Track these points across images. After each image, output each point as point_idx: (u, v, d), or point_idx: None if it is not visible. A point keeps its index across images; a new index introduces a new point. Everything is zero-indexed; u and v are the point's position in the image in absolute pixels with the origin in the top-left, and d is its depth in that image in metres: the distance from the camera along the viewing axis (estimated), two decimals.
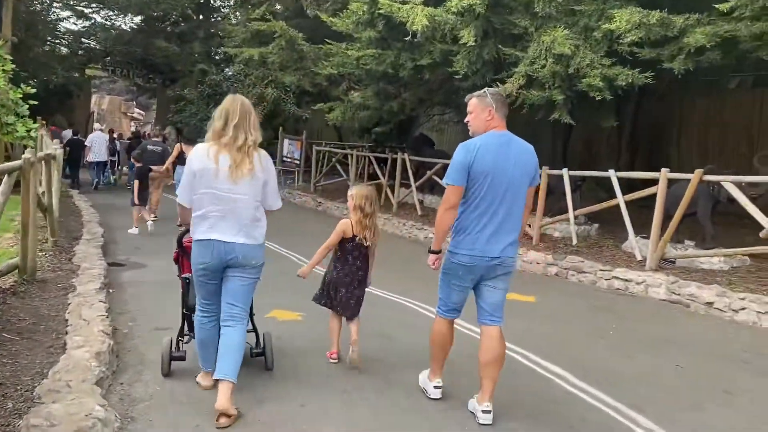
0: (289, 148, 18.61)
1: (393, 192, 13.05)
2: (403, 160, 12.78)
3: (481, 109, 3.33)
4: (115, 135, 19.82)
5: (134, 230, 9.34)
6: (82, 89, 23.90)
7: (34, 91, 11.45)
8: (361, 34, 10.24)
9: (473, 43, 8.51)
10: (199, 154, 3.25)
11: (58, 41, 21.23)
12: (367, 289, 4.23)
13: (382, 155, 14.48)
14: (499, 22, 8.96)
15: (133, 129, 33.93)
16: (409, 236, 11.33)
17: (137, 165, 9.97)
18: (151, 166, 9.87)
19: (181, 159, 9.60)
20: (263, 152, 3.34)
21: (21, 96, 10.59)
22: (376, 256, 4.23)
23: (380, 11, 9.38)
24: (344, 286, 4.05)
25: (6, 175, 4.75)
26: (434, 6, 9.02)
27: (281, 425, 3.20)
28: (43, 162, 7.74)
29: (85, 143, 15.94)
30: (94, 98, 40.80)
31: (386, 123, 14.35)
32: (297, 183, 18.14)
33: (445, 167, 13.30)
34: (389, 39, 10.26)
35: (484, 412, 3.34)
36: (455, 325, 3.67)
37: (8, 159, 12.35)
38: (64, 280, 5.70)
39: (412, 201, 12.99)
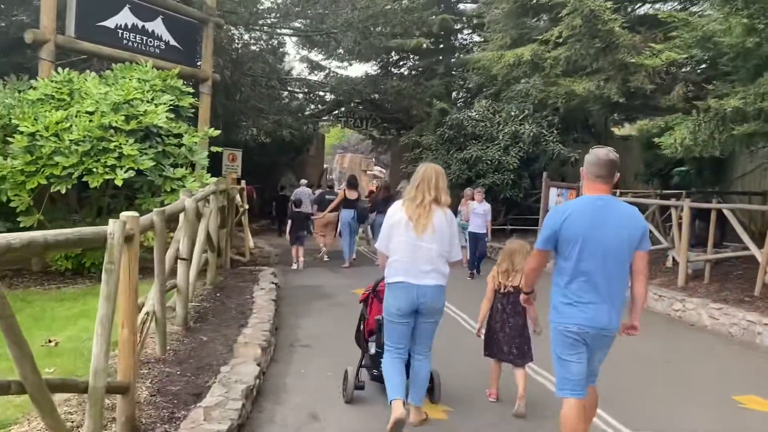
0: (558, 199, 13.45)
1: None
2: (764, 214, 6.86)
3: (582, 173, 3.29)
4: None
5: (294, 267, 10.35)
6: (312, 143, 21.95)
7: (217, 133, 8.46)
8: None
9: None
10: (395, 209, 3.92)
11: (286, 91, 19.32)
12: None
13: (708, 205, 8.76)
14: None
15: (375, 185, 33.15)
16: None
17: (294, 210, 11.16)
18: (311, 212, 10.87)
19: (345, 203, 10.38)
20: (449, 211, 3.90)
21: (197, 140, 7.46)
22: None
23: None
24: (496, 333, 4.27)
25: None
26: None
27: None
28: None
29: (291, 197, 16.30)
30: (336, 157, 41.03)
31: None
32: None
33: None
34: None
35: None
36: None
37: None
38: None
39: None
